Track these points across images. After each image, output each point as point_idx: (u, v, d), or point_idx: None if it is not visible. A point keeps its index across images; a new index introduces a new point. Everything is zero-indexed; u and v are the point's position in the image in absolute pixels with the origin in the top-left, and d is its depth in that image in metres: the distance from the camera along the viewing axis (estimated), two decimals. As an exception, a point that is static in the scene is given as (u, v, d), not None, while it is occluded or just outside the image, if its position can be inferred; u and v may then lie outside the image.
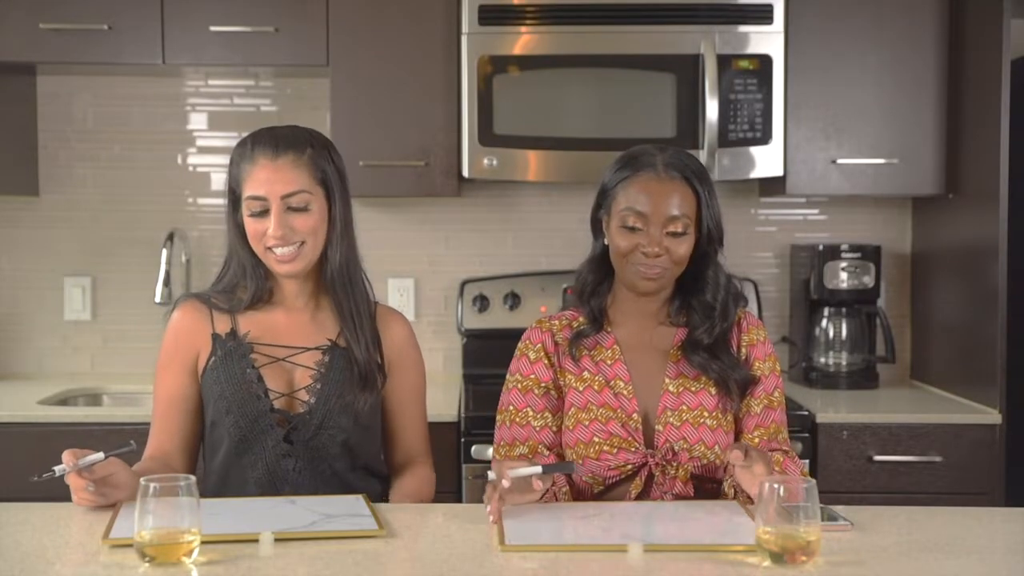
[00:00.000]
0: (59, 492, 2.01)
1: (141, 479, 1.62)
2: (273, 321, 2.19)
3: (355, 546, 1.73)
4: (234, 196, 2.16)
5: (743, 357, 2.19)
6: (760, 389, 2.17)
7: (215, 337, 2.17)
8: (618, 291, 2.20)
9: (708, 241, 2.14)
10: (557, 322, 2.22)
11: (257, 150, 2.11)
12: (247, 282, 2.18)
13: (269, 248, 2.11)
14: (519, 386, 2.17)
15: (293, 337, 2.18)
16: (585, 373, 2.16)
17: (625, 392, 2.13)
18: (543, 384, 2.17)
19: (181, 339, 2.19)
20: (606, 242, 2.18)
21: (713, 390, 2.14)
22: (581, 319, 2.20)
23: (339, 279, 2.17)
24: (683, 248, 2.11)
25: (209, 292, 2.23)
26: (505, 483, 1.85)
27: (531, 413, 2.15)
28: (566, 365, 2.17)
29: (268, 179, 2.09)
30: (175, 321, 2.20)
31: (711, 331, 2.15)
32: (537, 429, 2.14)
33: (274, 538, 1.70)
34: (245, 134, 2.19)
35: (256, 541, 1.70)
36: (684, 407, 2.12)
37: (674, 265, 2.12)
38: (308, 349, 2.18)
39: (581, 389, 2.15)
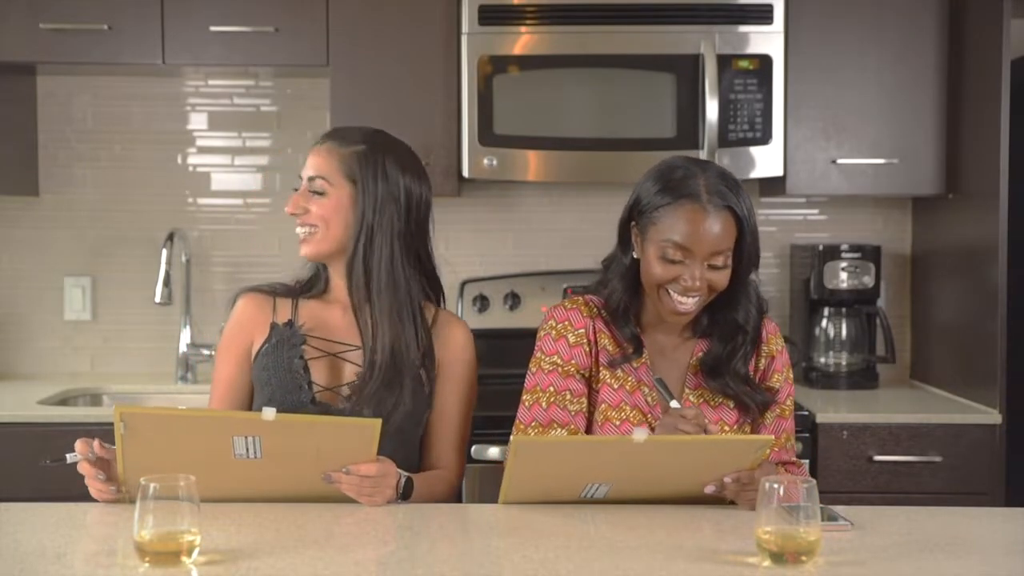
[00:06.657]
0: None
1: (141, 479, 1.61)
2: (331, 316, 2.23)
3: (355, 541, 1.73)
4: None
5: (762, 367, 2.17)
6: (775, 400, 2.17)
7: (272, 325, 2.20)
8: (648, 303, 2.15)
9: (747, 265, 2.08)
10: (591, 308, 2.17)
11: (320, 138, 2.26)
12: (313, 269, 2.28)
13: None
14: (559, 370, 2.13)
15: (347, 334, 2.21)
16: (619, 371, 2.13)
17: (648, 399, 2.12)
18: (582, 371, 2.14)
19: (242, 326, 2.23)
20: (635, 255, 2.12)
21: (732, 404, 2.13)
22: (606, 310, 2.16)
23: (356, 284, 2.17)
24: (724, 280, 2.06)
25: (277, 283, 2.29)
26: None
27: (569, 397, 2.12)
28: (602, 359, 2.14)
29: (309, 162, 2.22)
30: (238, 310, 2.25)
31: (732, 354, 2.11)
32: (573, 414, 2.11)
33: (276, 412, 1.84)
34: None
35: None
36: (705, 420, 2.09)
37: (710, 295, 2.08)
38: (358, 348, 2.19)
39: (615, 387, 2.12)
